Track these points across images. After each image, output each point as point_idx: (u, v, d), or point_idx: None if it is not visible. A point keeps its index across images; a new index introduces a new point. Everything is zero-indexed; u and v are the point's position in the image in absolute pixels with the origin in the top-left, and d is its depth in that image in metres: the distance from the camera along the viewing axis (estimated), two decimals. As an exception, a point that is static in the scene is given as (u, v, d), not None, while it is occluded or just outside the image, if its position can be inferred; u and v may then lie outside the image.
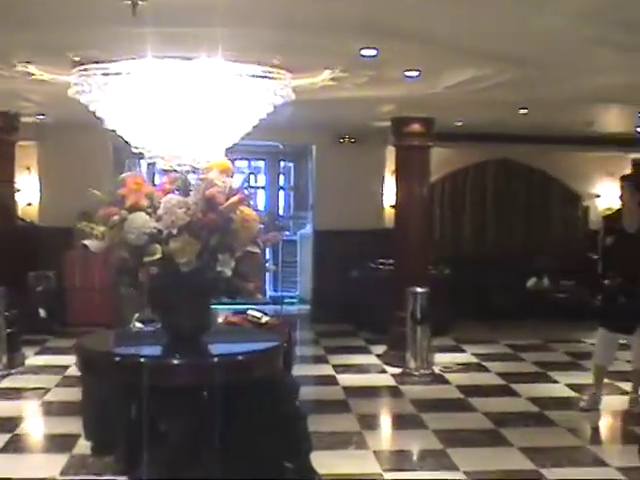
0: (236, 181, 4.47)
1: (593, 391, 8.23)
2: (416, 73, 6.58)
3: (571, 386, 9.05)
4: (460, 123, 10.94)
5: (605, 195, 13.91)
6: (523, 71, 6.30)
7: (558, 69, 6.46)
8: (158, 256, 4.06)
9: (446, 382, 9.32)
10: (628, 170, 13.87)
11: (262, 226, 4.32)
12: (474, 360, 10.43)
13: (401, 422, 8.04)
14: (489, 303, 12.49)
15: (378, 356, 10.49)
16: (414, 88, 7.40)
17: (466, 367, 10.05)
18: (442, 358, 10.20)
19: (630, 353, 8.32)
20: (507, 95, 7.75)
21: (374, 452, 6.92)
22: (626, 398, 8.30)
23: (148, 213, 4.16)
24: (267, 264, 5.81)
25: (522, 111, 9.10)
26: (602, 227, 8.27)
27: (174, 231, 4.08)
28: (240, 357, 4.33)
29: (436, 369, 9.79)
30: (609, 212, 9.82)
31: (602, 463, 6.68)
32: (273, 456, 4.42)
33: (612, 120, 11.15)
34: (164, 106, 4.90)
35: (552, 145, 13.09)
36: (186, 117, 4.91)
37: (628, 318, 7.83)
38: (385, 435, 7.88)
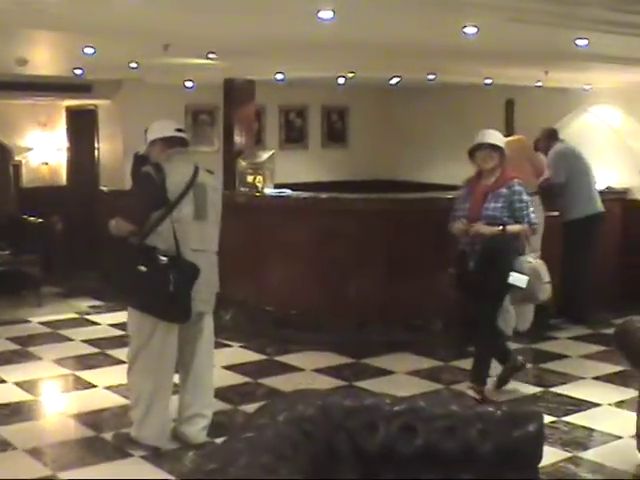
0: None
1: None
2: None
3: (22, 385, 7.41)
4: None
5: (39, 148, 12.34)
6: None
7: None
8: None
9: None
10: (62, 119, 12.51)
11: None
12: None
13: None
14: None
15: None
16: None
17: None
18: None
19: None
20: None
21: None
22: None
23: None
24: None
25: None
26: None
27: None
28: None
29: None
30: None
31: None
32: None
33: (50, 58, 9.39)
34: None
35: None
36: None
37: None
38: None
